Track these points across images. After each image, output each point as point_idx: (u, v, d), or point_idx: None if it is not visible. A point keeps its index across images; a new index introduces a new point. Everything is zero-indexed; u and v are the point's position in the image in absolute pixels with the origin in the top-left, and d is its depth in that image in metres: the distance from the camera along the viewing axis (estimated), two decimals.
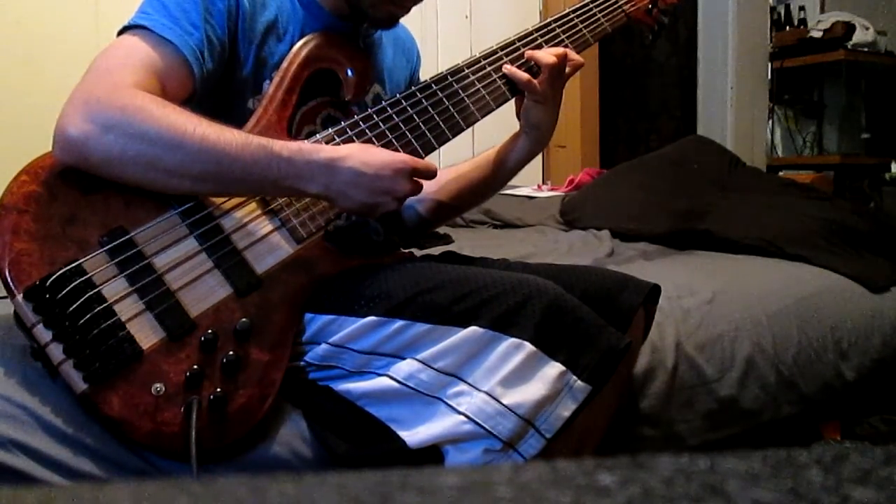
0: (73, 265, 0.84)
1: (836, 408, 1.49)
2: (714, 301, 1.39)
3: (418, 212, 1.23)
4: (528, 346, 0.85)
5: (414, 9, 1.05)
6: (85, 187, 0.87)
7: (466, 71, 1.07)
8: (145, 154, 0.86)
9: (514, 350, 0.85)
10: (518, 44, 1.11)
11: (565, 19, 1.15)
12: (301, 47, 1.01)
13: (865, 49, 3.83)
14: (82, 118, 0.85)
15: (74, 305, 0.82)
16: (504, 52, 1.10)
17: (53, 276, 0.82)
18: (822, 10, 4.10)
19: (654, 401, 1.23)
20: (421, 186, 0.97)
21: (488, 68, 1.08)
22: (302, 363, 0.94)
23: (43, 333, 0.82)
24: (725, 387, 1.30)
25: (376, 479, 0.24)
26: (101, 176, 0.88)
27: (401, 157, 0.94)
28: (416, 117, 1.03)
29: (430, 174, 0.98)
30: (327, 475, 0.24)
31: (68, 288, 0.82)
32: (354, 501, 0.22)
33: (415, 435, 0.86)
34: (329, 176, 0.90)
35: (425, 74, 1.22)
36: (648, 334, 1.16)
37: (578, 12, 1.17)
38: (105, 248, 0.86)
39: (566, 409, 0.86)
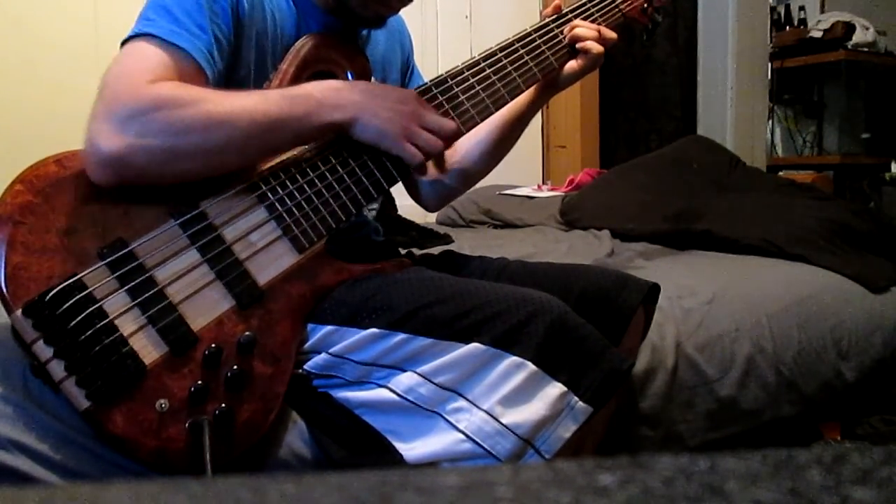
0: (74, 279, 0.82)
1: (836, 408, 1.49)
2: (714, 301, 1.39)
3: (448, 184, 1.25)
4: (530, 366, 0.84)
5: (414, 9, 1.05)
6: (82, 197, 0.85)
7: (466, 73, 1.07)
8: (186, 144, 0.85)
9: (515, 369, 0.84)
10: (517, 45, 1.11)
11: (563, 19, 1.16)
12: (299, 49, 1.00)
13: (865, 49, 3.83)
14: (114, 131, 0.83)
15: (75, 321, 0.80)
16: (503, 52, 1.10)
17: (53, 291, 0.80)
18: (822, 10, 4.10)
19: (654, 401, 1.23)
20: (450, 129, 0.98)
21: (472, 76, 1.08)
22: (302, 371, 0.93)
23: (43, 350, 0.80)
24: (725, 387, 1.30)
25: (376, 479, 0.24)
26: (146, 183, 0.86)
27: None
28: None
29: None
30: (327, 475, 0.24)
31: (69, 303, 0.80)
32: (354, 501, 0.22)
33: (412, 450, 0.85)
34: (346, 92, 0.94)
35: (424, 75, 1.22)
36: (648, 333, 1.16)
37: (577, 12, 1.17)
38: (105, 262, 0.84)
39: (566, 431, 0.85)
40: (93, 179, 0.85)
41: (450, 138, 0.99)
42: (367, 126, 0.94)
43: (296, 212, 0.94)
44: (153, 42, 0.90)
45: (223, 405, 0.85)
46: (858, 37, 3.79)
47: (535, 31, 1.13)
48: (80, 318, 0.81)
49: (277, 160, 0.95)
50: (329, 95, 0.92)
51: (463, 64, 1.06)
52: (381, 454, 0.87)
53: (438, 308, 0.88)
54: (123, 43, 0.92)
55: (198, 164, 0.88)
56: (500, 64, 1.08)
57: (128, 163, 0.84)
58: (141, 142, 0.84)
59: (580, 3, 1.19)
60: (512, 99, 1.09)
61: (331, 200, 0.95)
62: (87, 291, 0.82)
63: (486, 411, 0.84)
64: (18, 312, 0.80)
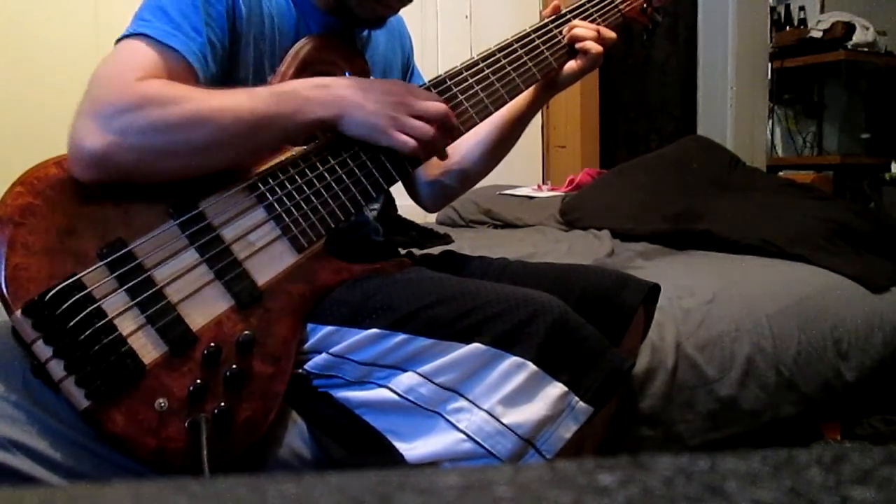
0: (73, 279, 0.82)
1: (836, 408, 1.49)
2: (714, 301, 1.39)
3: (448, 185, 1.25)
4: (531, 366, 0.84)
5: (414, 9, 1.04)
6: (82, 198, 0.85)
7: (465, 74, 1.07)
8: (171, 142, 0.85)
9: (516, 369, 0.84)
10: (516, 45, 1.11)
11: (562, 20, 1.16)
12: (298, 51, 1.00)
13: (865, 49, 3.83)
14: (99, 129, 0.83)
15: (75, 321, 0.81)
16: (502, 53, 1.10)
17: (53, 291, 0.81)
18: (822, 10, 4.10)
19: (654, 401, 1.23)
20: (437, 110, 0.96)
21: (470, 77, 1.08)
22: (302, 371, 0.93)
23: (43, 350, 0.80)
24: (725, 387, 1.30)
25: (376, 479, 0.24)
26: (130, 181, 0.86)
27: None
28: None
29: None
30: (327, 475, 0.24)
31: (68, 303, 0.81)
32: (354, 501, 0.22)
33: (413, 449, 0.85)
34: (333, 89, 0.93)
35: (424, 75, 1.22)
36: (648, 334, 1.16)
37: (575, 12, 1.17)
38: (105, 262, 0.84)
39: (567, 431, 0.85)
40: (77, 177, 0.85)
41: (441, 122, 0.97)
42: (354, 120, 0.94)
43: (294, 212, 0.94)
44: (146, 42, 0.90)
45: (222, 404, 0.85)
46: (858, 37, 3.79)
47: (534, 31, 1.13)
48: (79, 317, 0.81)
49: (276, 160, 0.95)
50: (315, 92, 0.92)
51: (461, 64, 1.06)
52: (382, 454, 0.86)
53: (439, 308, 0.88)
54: (117, 42, 0.92)
55: (183, 162, 0.88)
56: (499, 64, 1.08)
57: (112, 160, 0.84)
58: (124, 139, 0.83)
59: (579, 3, 1.20)
60: (511, 99, 1.09)
61: (330, 201, 0.96)
62: (86, 291, 0.82)
63: (486, 411, 0.84)
64: (18, 313, 0.80)
